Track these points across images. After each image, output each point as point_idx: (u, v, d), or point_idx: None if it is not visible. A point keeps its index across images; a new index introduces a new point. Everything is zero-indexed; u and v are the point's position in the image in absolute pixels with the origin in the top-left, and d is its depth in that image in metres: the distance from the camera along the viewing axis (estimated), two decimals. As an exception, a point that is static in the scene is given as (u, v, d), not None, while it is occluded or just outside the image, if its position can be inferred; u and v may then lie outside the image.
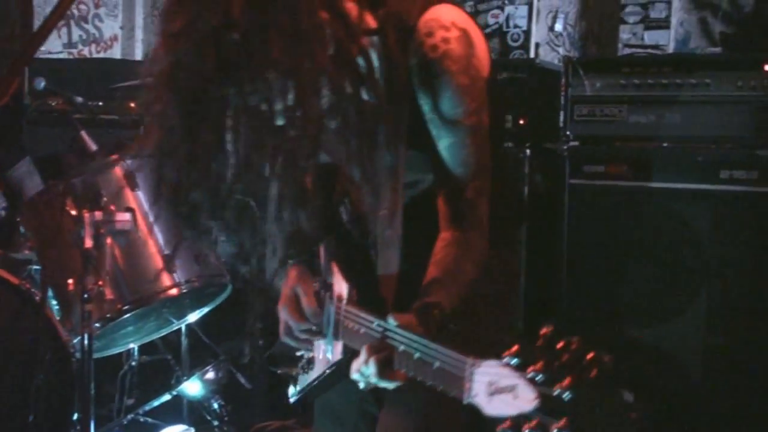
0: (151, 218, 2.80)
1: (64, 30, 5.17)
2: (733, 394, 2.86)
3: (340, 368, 1.64)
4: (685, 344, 2.93)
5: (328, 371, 1.72)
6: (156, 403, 3.31)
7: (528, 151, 3.21)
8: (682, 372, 2.94)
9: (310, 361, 1.82)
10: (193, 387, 3.25)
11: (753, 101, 2.86)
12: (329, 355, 1.71)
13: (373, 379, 1.38)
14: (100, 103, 3.73)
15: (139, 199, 2.87)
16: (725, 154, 2.90)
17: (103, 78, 3.81)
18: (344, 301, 1.61)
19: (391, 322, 1.38)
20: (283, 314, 1.73)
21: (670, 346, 2.95)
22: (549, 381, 0.99)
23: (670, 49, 3.65)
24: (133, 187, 2.86)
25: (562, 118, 3.16)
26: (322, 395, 1.96)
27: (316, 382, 1.79)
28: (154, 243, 2.86)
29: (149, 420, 3.32)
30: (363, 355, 1.40)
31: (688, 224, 2.94)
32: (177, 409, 3.43)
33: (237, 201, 1.39)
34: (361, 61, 1.43)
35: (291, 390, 1.92)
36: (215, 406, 3.28)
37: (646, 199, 3.01)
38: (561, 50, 3.93)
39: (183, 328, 3.34)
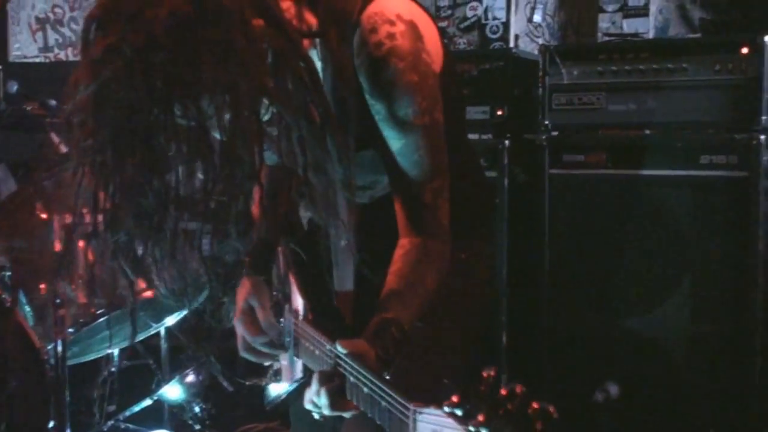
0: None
1: (39, 34, 5.12)
2: (718, 382, 2.83)
3: (302, 387, 1.57)
4: (670, 332, 2.90)
5: (293, 386, 1.66)
6: (136, 408, 3.27)
7: (507, 142, 3.17)
8: (668, 361, 2.90)
9: (278, 372, 1.76)
10: (173, 391, 3.20)
11: (731, 85, 2.83)
12: (295, 368, 1.65)
13: (326, 411, 1.31)
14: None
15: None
16: (705, 140, 2.87)
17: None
18: (300, 319, 1.55)
19: (340, 349, 1.30)
20: (239, 328, 1.63)
21: (656, 334, 2.91)
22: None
23: (650, 36, 3.61)
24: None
25: (540, 107, 3.11)
26: (297, 401, 1.92)
27: (284, 394, 1.73)
28: None
29: (130, 426, 3.28)
30: (314, 385, 1.32)
31: (669, 211, 2.91)
32: (158, 414, 3.38)
33: (175, 228, 1.28)
34: (303, 65, 1.34)
35: (266, 396, 1.87)
36: (196, 409, 3.23)
37: (626, 187, 2.98)
38: (540, 41, 3.89)
39: (162, 331, 3.28)
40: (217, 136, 1.26)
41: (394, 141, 1.48)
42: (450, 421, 0.99)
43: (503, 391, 0.96)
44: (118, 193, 1.26)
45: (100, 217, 1.31)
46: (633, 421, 2.93)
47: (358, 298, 1.61)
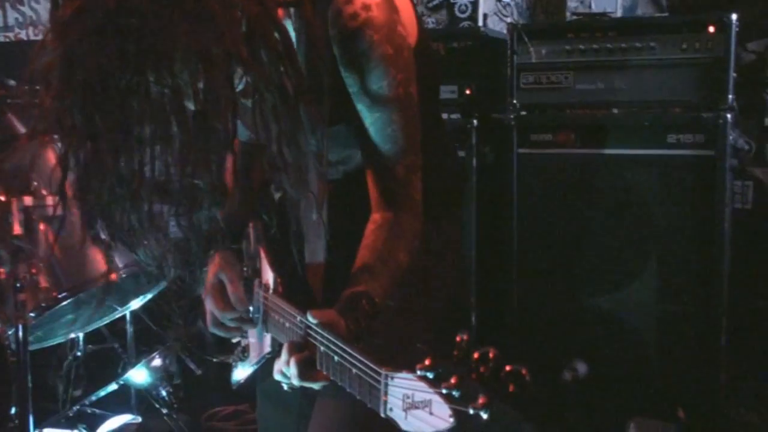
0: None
1: (-1, 13, 5.00)
2: (685, 360, 2.86)
3: (273, 360, 1.56)
4: (638, 311, 2.92)
5: (262, 362, 1.64)
6: (102, 393, 3.21)
7: (475, 122, 3.15)
8: (635, 339, 2.92)
9: (246, 349, 1.73)
10: (139, 375, 3.15)
11: (698, 64, 2.83)
12: (263, 343, 1.63)
13: (295, 381, 1.30)
14: (38, 87, 3.58)
15: (73, 183, 2.76)
16: (672, 119, 2.88)
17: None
18: (270, 292, 1.53)
19: (311, 319, 1.29)
20: (209, 304, 1.62)
21: (624, 313, 2.93)
22: (464, 397, 0.93)
23: (618, 15, 3.60)
24: (65, 170, 2.75)
25: (508, 86, 3.09)
26: (263, 381, 1.90)
27: (252, 371, 1.71)
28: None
29: (96, 411, 3.23)
30: (284, 355, 1.31)
31: (636, 190, 2.91)
32: (125, 399, 3.35)
33: (148, 199, 1.26)
34: (277, 36, 1.32)
35: (233, 377, 1.85)
36: (163, 393, 3.18)
37: (594, 166, 2.98)
38: (509, 20, 3.86)
39: (128, 316, 3.24)
40: (191, 106, 1.24)
41: (368, 114, 1.47)
42: (422, 384, 0.98)
43: (476, 355, 0.95)
44: (89, 159, 1.23)
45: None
46: (601, 400, 2.95)
47: (329, 272, 1.59)
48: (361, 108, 1.47)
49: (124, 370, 3.22)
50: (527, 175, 3.07)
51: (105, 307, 3.07)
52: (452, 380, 0.93)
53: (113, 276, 2.75)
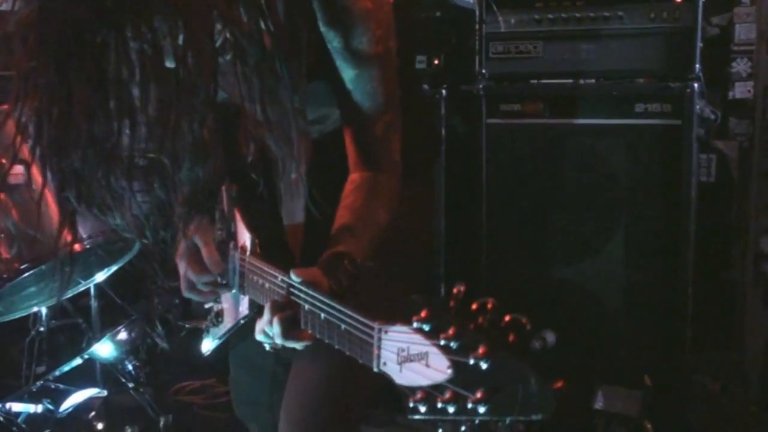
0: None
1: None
2: (652, 328, 2.88)
3: (248, 324, 1.53)
4: (605, 280, 2.94)
5: (237, 326, 1.61)
6: (66, 368, 3.13)
7: (444, 92, 3.14)
8: (603, 308, 2.94)
9: (219, 314, 1.71)
10: (104, 349, 3.10)
11: (666, 33, 2.84)
12: (238, 308, 1.60)
13: (278, 340, 1.28)
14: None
15: (32, 150, 2.69)
16: (639, 88, 2.89)
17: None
18: (248, 254, 1.50)
19: (294, 278, 1.26)
20: (182, 268, 1.59)
21: (591, 282, 2.95)
22: (463, 348, 0.90)
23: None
24: (27, 137, 2.69)
25: (477, 56, 3.08)
26: (237, 346, 1.87)
27: (227, 335, 1.68)
28: (52, 197, 2.68)
29: (60, 386, 3.17)
30: (266, 315, 1.29)
31: (604, 160, 2.93)
32: (89, 374, 3.28)
33: (132, 160, 1.22)
34: None
35: (204, 345, 1.82)
36: (129, 367, 3.13)
37: (563, 136, 2.98)
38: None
39: (92, 289, 3.17)
40: (170, 63, 1.20)
41: (348, 71, 1.45)
42: (418, 336, 0.95)
43: (474, 306, 0.93)
44: (64, 118, 1.18)
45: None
46: (570, 369, 2.91)
47: (308, 233, 1.58)
48: (341, 64, 1.45)
49: (89, 344, 3.15)
50: (496, 145, 3.07)
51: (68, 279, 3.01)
52: (450, 331, 0.90)
53: (78, 247, 2.69)
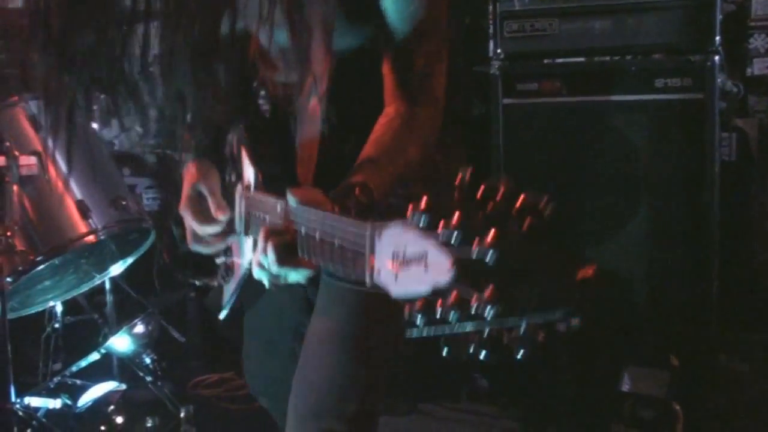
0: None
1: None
2: (677, 307, 2.82)
3: (254, 290, 1.45)
4: (628, 259, 2.87)
5: (245, 276, 1.50)
6: (83, 363, 3.09)
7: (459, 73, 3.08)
8: (626, 287, 2.88)
9: (229, 268, 1.61)
10: (121, 342, 3.05)
11: (685, 6, 2.78)
12: (245, 255, 1.50)
13: (274, 269, 1.17)
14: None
15: (45, 141, 2.66)
16: (659, 63, 2.83)
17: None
18: (252, 188, 1.39)
19: (291, 198, 1.15)
20: (187, 218, 1.48)
21: (615, 261, 2.88)
22: (468, 240, 0.75)
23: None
24: (38, 128, 2.66)
25: (492, 36, 3.02)
26: (253, 316, 1.78)
27: (239, 289, 1.57)
28: (65, 188, 2.66)
29: (77, 381, 3.13)
30: (260, 243, 1.18)
31: (625, 137, 2.86)
32: (107, 369, 3.24)
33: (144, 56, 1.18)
34: None
35: (212, 301, 1.73)
36: (147, 361, 3.09)
37: (582, 114, 2.92)
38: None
39: (107, 283, 3.14)
40: None
41: None
42: (414, 233, 0.80)
43: (481, 190, 0.79)
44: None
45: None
46: (594, 350, 2.89)
47: (321, 166, 1.45)
48: None
49: (105, 338, 3.11)
50: (513, 126, 3.01)
51: (83, 272, 2.98)
52: (453, 221, 0.76)
53: (92, 238, 2.66)
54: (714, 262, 2.77)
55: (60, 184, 2.64)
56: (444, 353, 0.82)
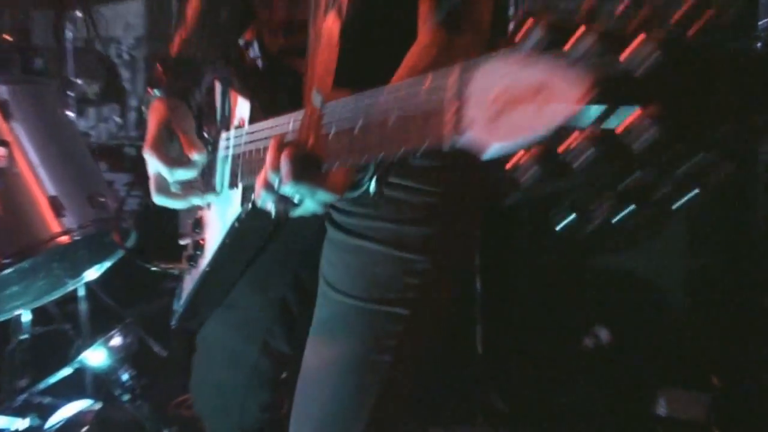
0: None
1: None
2: (719, 322, 2.68)
3: (241, 230, 1.23)
4: (663, 268, 2.75)
5: (225, 240, 1.29)
6: (53, 379, 2.88)
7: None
8: (661, 300, 2.76)
9: (198, 246, 1.39)
10: (96, 356, 2.82)
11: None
12: (225, 217, 1.30)
13: (288, 187, 0.96)
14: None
15: (15, 131, 2.46)
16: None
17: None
18: (246, 124, 1.21)
19: (317, 97, 0.95)
20: (152, 161, 1.28)
21: (648, 271, 2.77)
22: (607, 52, 0.60)
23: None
24: (8, 117, 2.47)
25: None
26: (209, 329, 1.57)
27: (209, 267, 1.36)
28: (37, 182, 2.47)
29: (47, 399, 2.92)
30: (269, 156, 0.98)
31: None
32: (79, 386, 3.02)
33: None
34: None
35: (175, 304, 1.51)
36: (125, 377, 2.84)
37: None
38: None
39: (81, 290, 2.97)
40: None
41: None
42: (524, 61, 0.64)
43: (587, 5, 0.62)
44: None
45: None
46: (625, 368, 2.76)
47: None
48: None
49: (78, 352, 2.87)
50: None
51: (55, 277, 2.72)
52: (580, 32, 0.60)
53: (66, 238, 2.41)
54: (760, 269, 2.62)
55: (32, 179, 2.42)
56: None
